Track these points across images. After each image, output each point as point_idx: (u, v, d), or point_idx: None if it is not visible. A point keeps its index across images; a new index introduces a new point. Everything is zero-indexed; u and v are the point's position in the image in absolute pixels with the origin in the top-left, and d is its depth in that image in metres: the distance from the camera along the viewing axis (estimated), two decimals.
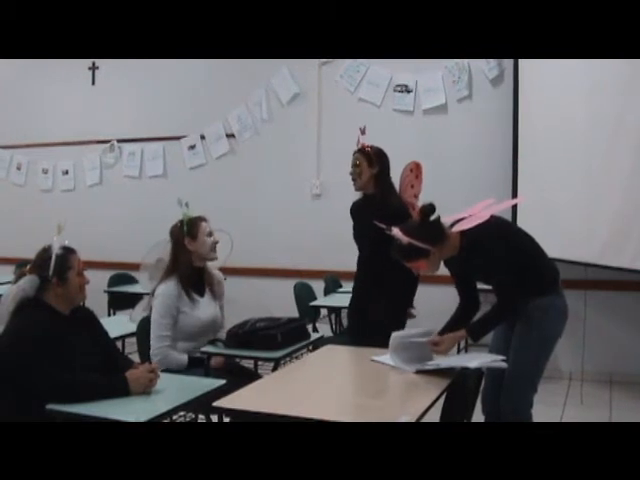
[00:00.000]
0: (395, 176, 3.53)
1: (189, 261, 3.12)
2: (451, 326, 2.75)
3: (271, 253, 5.79)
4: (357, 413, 2.12)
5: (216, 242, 3.17)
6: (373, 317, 3.32)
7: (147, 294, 3.21)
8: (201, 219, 3.17)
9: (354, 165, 3.45)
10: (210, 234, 3.15)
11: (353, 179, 3.46)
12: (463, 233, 2.57)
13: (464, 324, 2.71)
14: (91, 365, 2.33)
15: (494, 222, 2.60)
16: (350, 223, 3.49)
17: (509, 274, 2.58)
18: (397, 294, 3.39)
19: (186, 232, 3.09)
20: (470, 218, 2.56)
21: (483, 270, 2.68)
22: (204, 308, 3.14)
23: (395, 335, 2.61)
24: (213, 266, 3.29)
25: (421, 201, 3.18)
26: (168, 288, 3.05)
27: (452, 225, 2.61)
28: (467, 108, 5.21)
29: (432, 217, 2.56)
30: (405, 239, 2.53)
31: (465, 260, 2.64)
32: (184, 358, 3.02)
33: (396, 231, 2.56)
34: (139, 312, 3.22)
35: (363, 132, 3.50)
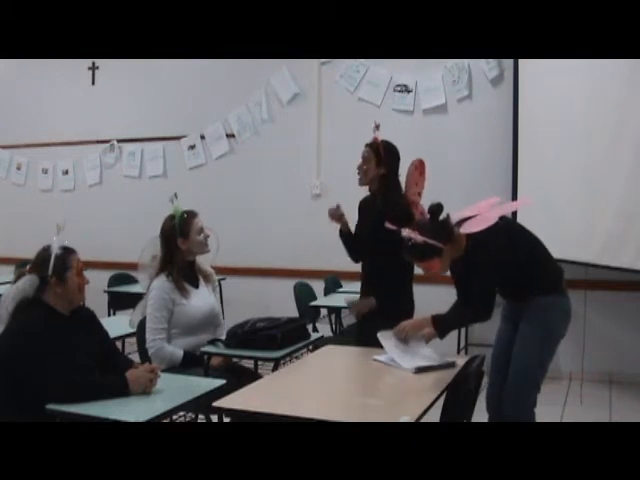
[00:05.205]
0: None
1: (181, 256, 3.14)
2: None
3: (271, 253, 5.79)
4: (357, 413, 2.12)
5: (207, 237, 3.20)
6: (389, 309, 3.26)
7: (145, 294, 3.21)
8: (192, 215, 3.18)
9: (363, 158, 3.31)
10: (201, 230, 3.17)
11: (359, 173, 3.33)
12: (469, 236, 2.56)
13: None
14: (91, 365, 2.33)
15: (502, 226, 2.58)
16: (350, 222, 3.47)
17: (499, 282, 2.59)
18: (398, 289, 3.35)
19: (178, 233, 3.11)
20: (477, 219, 2.55)
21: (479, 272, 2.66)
22: (200, 299, 3.17)
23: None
24: (205, 264, 3.32)
25: (424, 200, 3.15)
26: (162, 282, 3.08)
27: (458, 224, 2.60)
28: (467, 108, 5.21)
29: (441, 216, 2.57)
30: (420, 238, 2.52)
31: (468, 262, 2.62)
32: (179, 353, 3.02)
33: (407, 232, 2.55)
34: (137, 316, 3.22)
35: (378, 128, 3.33)
